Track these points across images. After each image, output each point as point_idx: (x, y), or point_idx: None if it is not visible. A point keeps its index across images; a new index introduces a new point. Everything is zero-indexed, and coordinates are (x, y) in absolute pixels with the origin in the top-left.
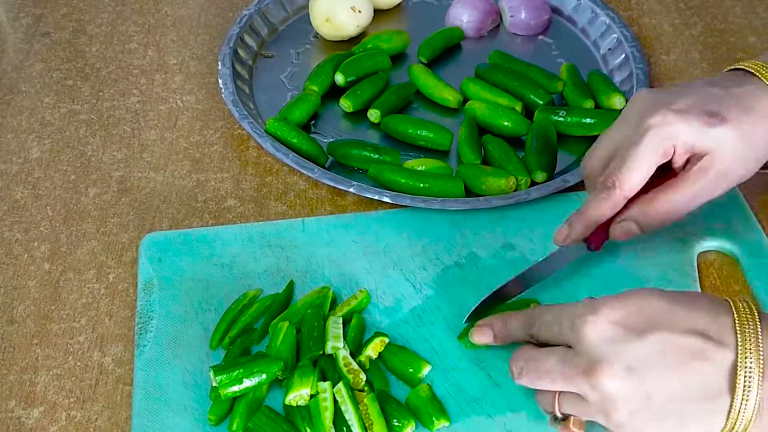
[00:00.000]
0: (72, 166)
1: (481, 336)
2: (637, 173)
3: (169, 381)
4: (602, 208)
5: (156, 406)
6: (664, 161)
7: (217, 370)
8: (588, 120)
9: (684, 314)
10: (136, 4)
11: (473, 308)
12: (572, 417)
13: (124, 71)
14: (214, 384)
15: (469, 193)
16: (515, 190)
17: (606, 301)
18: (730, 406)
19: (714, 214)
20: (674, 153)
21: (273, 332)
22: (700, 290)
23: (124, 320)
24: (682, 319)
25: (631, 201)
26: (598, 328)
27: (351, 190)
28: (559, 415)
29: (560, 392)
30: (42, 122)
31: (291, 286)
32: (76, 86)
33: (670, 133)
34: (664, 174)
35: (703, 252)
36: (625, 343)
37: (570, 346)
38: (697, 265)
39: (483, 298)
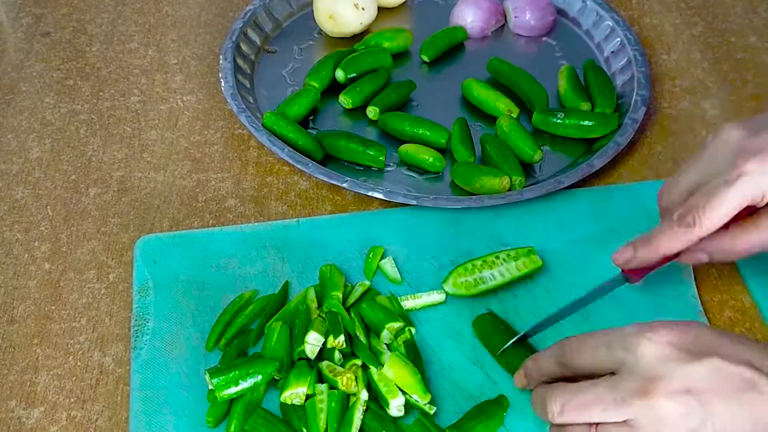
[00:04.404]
0: (72, 166)
1: (517, 380)
2: (720, 216)
3: (166, 383)
4: (676, 242)
5: (153, 408)
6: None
7: (213, 372)
8: (586, 123)
9: (734, 345)
10: (137, 3)
11: (508, 344)
12: None
13: (124, 71)
14: (210, 386)
15: (463, 192)
16: (509, 190)
17: (660, 324)
18: None
19: None
20: (762, 198)
21: (267, 333)
22: (695, 285)
23: (125, 320)
24: (733, 349)
25: None
26: (656, 347)
27: (344, 185)
28: None
29: (598, 426)
30: (42, 122)
31: (286, 287)
32: (77, 86)
33: (765, 184)
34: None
35: None
36: (683, 364)
37: (613, 374)
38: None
39: (518, 336)
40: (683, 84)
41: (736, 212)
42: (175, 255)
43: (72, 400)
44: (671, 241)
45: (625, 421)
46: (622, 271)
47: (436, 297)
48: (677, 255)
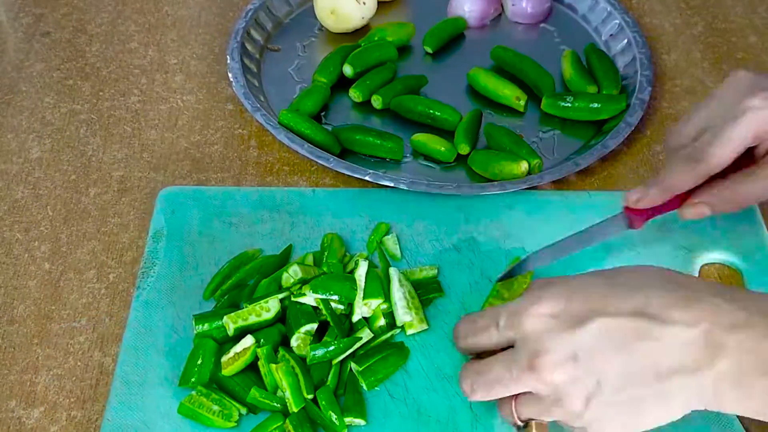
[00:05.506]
0: (72, 166)
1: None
2: (727, 150)
3: (160, 323)
4: (684, 178)
5: (144, 344)
6: (754, 145)
7: (199, 318)
8: (594, 105)
9: (628, 294)
10: (137, 3)
11: (504, 272)
12: (533, 421)
13: (124, 71)
14: (195, 331)
15: (481, 179)
16: (528, 174)
17: (548, 290)
18: (686, 384)
19: (723, 227)
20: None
21: (259, 289)
22: None
23: (125, 320)
24: (624, 300)
25: (705, 183)
26: (538, 321)
27: (366, 178)
28: (519, 422)
29: (516, 397)
30: (42, 122)
31: (289, 250)
32: (77, 86)
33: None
34: (741, 161)
35: (707, 264)
36: (567, 333)
37: (512, 346)
38: (700, 275)
39: (513, 264)
40: (683, 84)
41: (743, 148)
42: (192, 207)
43: (72, 400)
44: (680, 177)
45: (533, 393)
46: (627, 215)
47: (429, 272)
48: (682, 202)
